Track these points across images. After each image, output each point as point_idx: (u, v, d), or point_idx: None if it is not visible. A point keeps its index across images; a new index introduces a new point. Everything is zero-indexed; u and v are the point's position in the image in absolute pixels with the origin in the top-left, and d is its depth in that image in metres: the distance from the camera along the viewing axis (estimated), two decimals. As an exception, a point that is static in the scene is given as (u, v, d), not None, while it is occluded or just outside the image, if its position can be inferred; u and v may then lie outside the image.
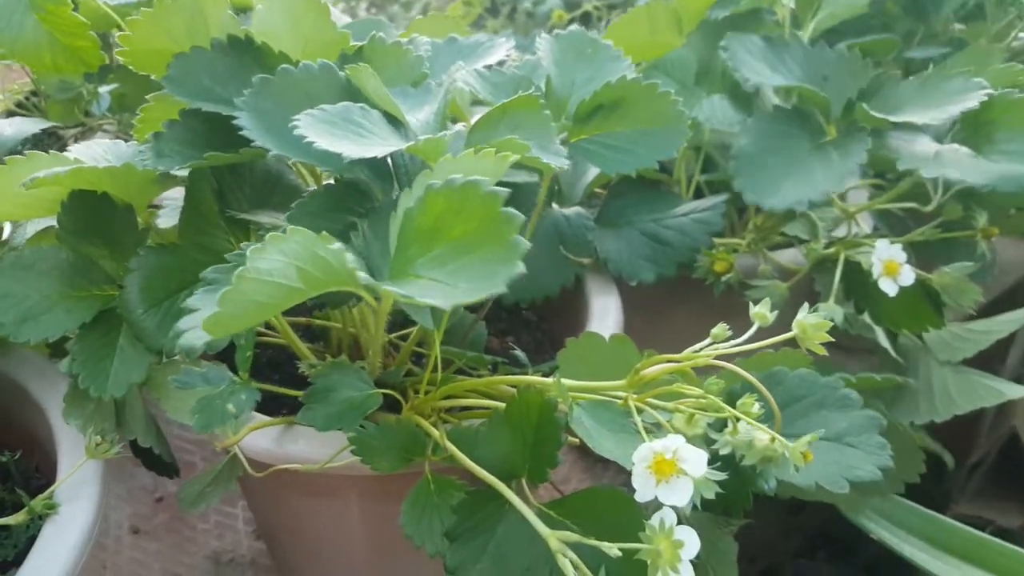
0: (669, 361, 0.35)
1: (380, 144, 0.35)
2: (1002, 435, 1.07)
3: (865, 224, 0.61)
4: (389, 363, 0.47)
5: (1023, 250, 1.16)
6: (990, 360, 1.18)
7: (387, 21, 0.67)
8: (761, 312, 0.36)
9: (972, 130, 0.47)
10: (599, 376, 0.39)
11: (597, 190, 0.62)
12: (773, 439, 0.33)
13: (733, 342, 0.35)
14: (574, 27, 0.53)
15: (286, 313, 0.41)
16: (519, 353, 0.44)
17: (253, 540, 0.63)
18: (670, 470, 0.31)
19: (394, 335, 0.50)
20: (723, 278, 0.52)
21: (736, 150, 0.49)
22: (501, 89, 0.48)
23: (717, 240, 0.57)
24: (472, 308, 0.55)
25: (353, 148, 0.33)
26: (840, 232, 0.57)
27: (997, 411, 1.17)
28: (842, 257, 0.48)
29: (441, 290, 0.28)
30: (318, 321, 0.47)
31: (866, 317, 0.50)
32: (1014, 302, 1.16)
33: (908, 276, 0.44)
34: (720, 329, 0.34)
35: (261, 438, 0.40)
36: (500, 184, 0.49)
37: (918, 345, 0.56)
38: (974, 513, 1.14)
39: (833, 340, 0.33)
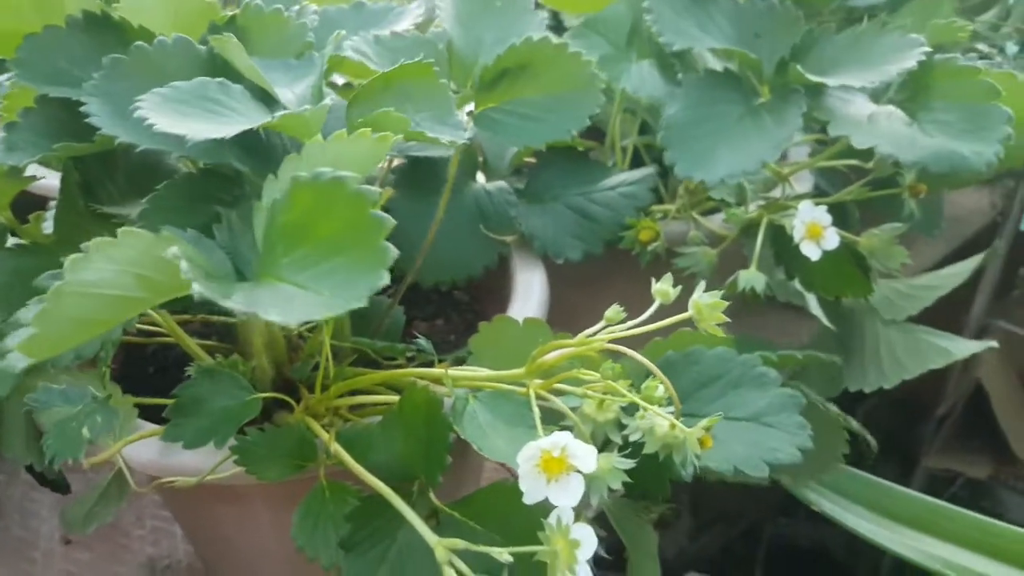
0: (565, 347, 0.32)
1: (238, 122, 0.32)
2: (968, 386, 1.07)
3: (806, 183, 0.59)
4: (296, 358, 0.45)
5: (983, 199, 1.15)
6: (955, 308, 1.17)
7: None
8: (663, 289, 0.33)
9: (910, 91, 0.44)
10: (513, 362, 0.37)
11: (528, 159, 0.59)
12: (673, 425, 0.30)
13: (634, 321, 0.32)
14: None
15: (178, 308, 0.38)
16: (422, 341, 0.41)
17: (189, 544, 0.61)
18: (560, 468, 0.28)
19: (305, 326, 0.47)
20: (649, 247, 0.49)
21: (665, 120, 0.45)
22: (399, 55, 0.44)
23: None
24: (387, 290, 0.52)
25: (201, 128, 0.30)
26: (777, 193, 0.55)
27: (963, 362, 1.17)
28: (765, 222, 0.46)
29: (300, 300, 0.25)
30: (214, 317, 0.44)
31: (796, 283, 0.48)
32: (975, 252, 1.15)
33: (832, 239, 0.42)
34: (614, 312, 0.32)
35: (145, 449, 0.37)
36: (412, 159, 0.46)
37: (862, 305, 0.53)
38: (943, 466, 1.14)
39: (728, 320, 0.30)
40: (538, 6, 0.81)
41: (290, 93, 0.37)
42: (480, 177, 0.56)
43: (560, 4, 0.62)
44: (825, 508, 0.49)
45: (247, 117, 0.33)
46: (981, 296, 1.07)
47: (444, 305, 0.58)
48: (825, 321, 0.51)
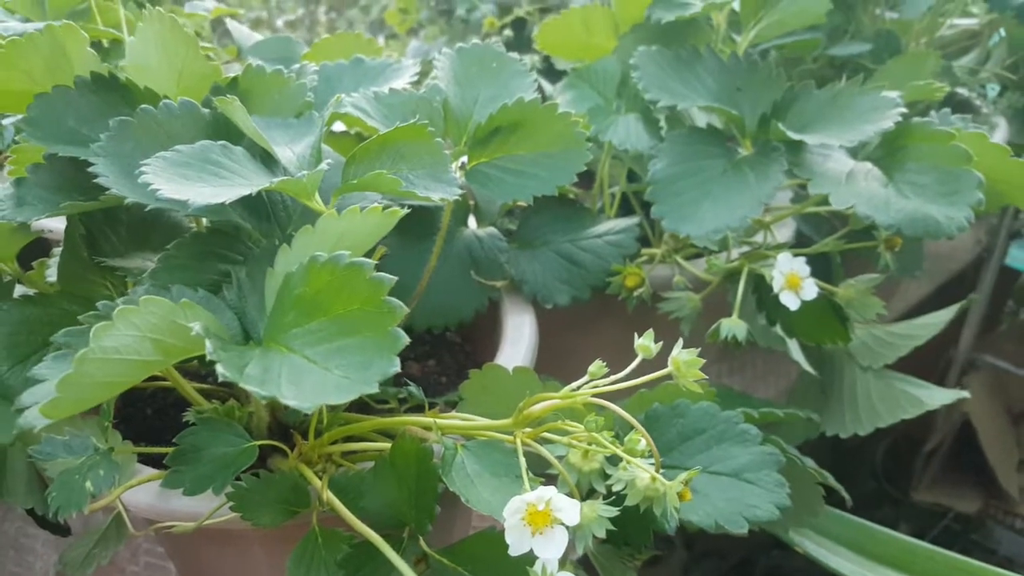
0: (550, 399, 0.34)
1: (240, 185, 0.34)
2: (955, 421, 1.08)
3: (788, 228, 0.61)
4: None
5: (968, 236, 1.17)
6: (943, 343, 1.19)
7: (296, 40, 0.65)
8: (645, 345, 0.35)
9: (887, 150, 0.46)
10: (502, 409, 0.38)
11: (520, 203, 0.61)
12: (654, 479, 0.32)
13: (616, 376, 0.34)
14: (478, 41, 0.51)
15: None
16: (413, 388, 0.42)
17: (182, 580, 0.62)
18: (545, 521, 0.30)
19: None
20: (635, 293, 0.51)
21: (652, 175, 0.47)
22: (396, 111, 0.46)
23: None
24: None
25: (203, 192, 0.32)
26: (760, 237, 0.56)
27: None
28: (745, 271, 0.47)
29: (311, 378, 0.27)
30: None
31: (778, 329, 0.49)
32: (961, 287, 1.17)
33: (810, 290, 0.43)
34: (597, 367, 0.33)
35: (143, 493, 0.38)
36: (408, 206, 0.48)
37: (842, 351, 0.55)
38: (933, 500, 1.15)
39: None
40: (533, 50, 0.84)
41: (290, 152, 0.38)
42: (472, 222, 0.58)
43: (555, 51, 0.65)
44: (809, 549, 0.50)
45: (248, 180, 0.34)
46: (968, 331, 1.09)
47: (437, 346, 0.59)
48: (806, 367, 0.52)
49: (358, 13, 2.69)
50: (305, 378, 0.26)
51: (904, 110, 0.45)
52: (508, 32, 0.92)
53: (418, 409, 0.47)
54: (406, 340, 0.26)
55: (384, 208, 0.36)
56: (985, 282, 1.07)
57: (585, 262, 0.53)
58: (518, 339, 0.50)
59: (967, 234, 1.25)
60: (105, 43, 0.62)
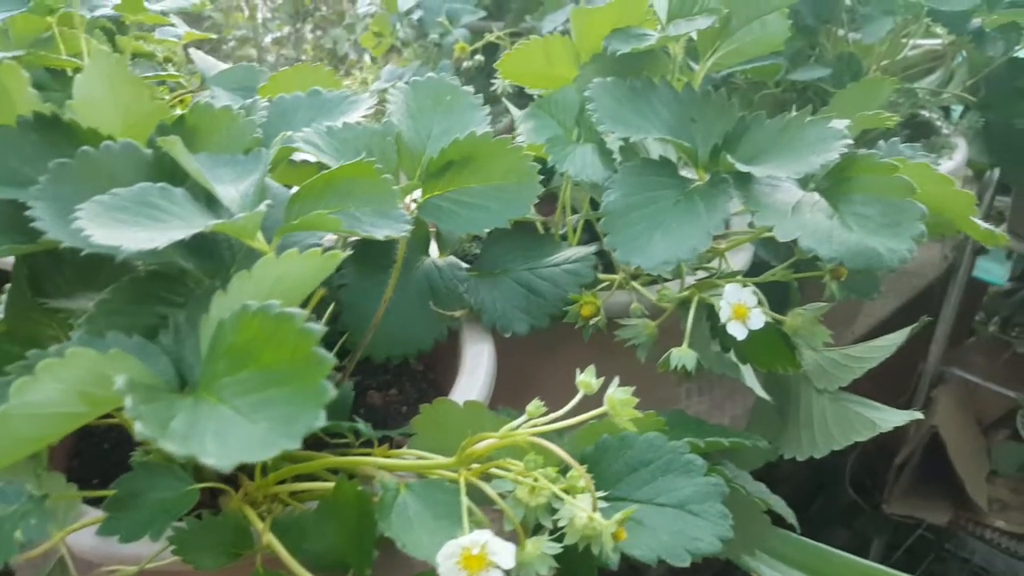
0: (489, 438, 0.34)
1: (177, 228, 0.34)
2: (925, 434, 1.09)
3: (746, 252, 0.61)
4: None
5: (935, 252, 1.19)
6: (912, 356, 1.20)
7: (260, 68, 0.65)
8: (586, 381, 0.35)
9: (834, 181, 0.47)
10: (454, 443, 0.38)
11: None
12: (591, 518, 0.32)
13: (556, 414, 0.34)
14: (448, 63, 0.51)
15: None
16: (361, 426, 0.42)
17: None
18: (480, 565, 0.30)
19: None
20: (591, 321, 0.51)
21: (605, 206, 0.47)
22: (349, 146, 0.46)
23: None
24: (338, 364, 0.53)
25: (138, 237, 0.31)
26: (717, 263, 0.57)
27: (921, 410, 1.20)
28: (695, 301, 0.48)
29: (237, 431, 0.27)
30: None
31: (732, 356, 0.50)
32: (930, 302, 1.18)
33: (757, 320, 0.44)
34: (534, 406, 0.33)
35: (87, 536, 0.38)
36: (363, 242, 0.48)
37: (798, 374, 0.55)
38: (905, 512, 1.16)
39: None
40: (491, 84, 0.84)
41: (234, 191, 0.38)
42: (434, 249, 0.58)
43: (518, 80, 0.65)
44: (764, 573, 0.50)
45: (187, 223, 0.34)
46: (936, 346, 1.11)
47: (399, 374, 0.59)
48: (759, 392, 0.53)
49: (343, 32, 2.69)
50: (231, 431, 0.26)
51: (850, 141, 0.46)
52: (480, 57, 0.93)
53: (371, 445, 0.47)
54: (333, 393, 0.26)
55: (326, 250, 0.36)
56: (952, 297, 1.09)
57: (543, 291, 0.53)
58: (475, 368, 0.50)
59: (934, 250, 1.27)
60: (69, 72, 0.62)
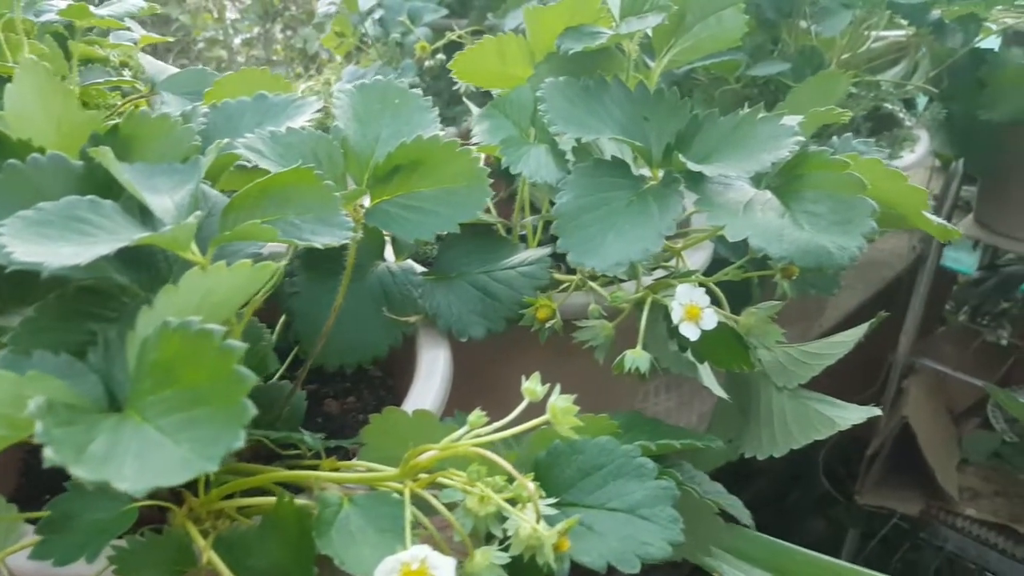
0: (431, 450, 0.33)
1: (105, 242, 0.33)
2: (896, 424, 1.10)
3: (705, 250, 0.61)
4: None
5: (903, 242, 1.20)
6: (881, 347, 1.21)
7: (211, 72, 0.64)
8: (531, 388, 0.35)
9: (785, 179, 0.47)
10: (404, 454, 0.38)
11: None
12: (534, 529, 0.31)
13: (500, 423, 0.33)
14: (381, 76, 0.50)
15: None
16: (308, 438, 0.41)
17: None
18: (419, 581, 0.29)
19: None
20: (547, 325, 0.51)
21: (557, 208, 0.47)
22: (293, 151, 0.45)
23: (556, 275, 0.56)
24: (290, 372, 0.53)
25: (63, 252, 0.31)
26: (675, 262, 0.57)
27: (892, 403, 1.21)
28: (648, 302, 0.47)
29: (159, 453, 0.26)
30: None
31: (689, 355, 0.49)
32: (899, 292, 1.19)
33: (710, 320, 0.44)
34: (476, 416, 0.33)
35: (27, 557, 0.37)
36: (313, 248, 0.47)
37: (758, 371, 0.55)
38: (877, 503, 1.17)
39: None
40: (440, 94, 0.84)
41: (170, 201, 0.37)
42: (390, 253, 0.57)
43: (472, 80, 0.65)
44: (726, 572, 0.50)
45: (116, 236, 0.33)
46: (905, 337, 1.11)
47: (358, 382, 0.58)
48: (717, 392, 0.53)
49: (313, 31, 2.67)
50: (152, 453, 0.25)
51: (802, 138, 0.46)
52: (441, 56, 0.92)
53: (321, 456, 0.46)
54: (253, 411, 0.25)
55: (260, 259, 0.36)
56: (920, 287, 1.09)
57: (499, 294, 0.53)
58: (430, 375, 0.50)
59: (902, 241, 1.27)
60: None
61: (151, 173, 0.39)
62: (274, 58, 2.81)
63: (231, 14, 2.92)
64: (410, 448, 0.38)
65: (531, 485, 0.33)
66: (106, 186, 0.38)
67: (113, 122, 0.40)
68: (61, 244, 0.32)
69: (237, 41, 2.87)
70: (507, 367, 0.65)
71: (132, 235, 0.34)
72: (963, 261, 1.44)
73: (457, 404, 0.64)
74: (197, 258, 0.35)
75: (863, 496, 1.14)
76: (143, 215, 0.37)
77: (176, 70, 0.66)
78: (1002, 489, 1.12)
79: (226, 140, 0.40)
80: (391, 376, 0.59)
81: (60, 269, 0.30)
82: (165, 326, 0.27)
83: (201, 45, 2.89)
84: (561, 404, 0.32)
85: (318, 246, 0.37)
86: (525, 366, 0.65)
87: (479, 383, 0.66)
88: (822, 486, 1.39)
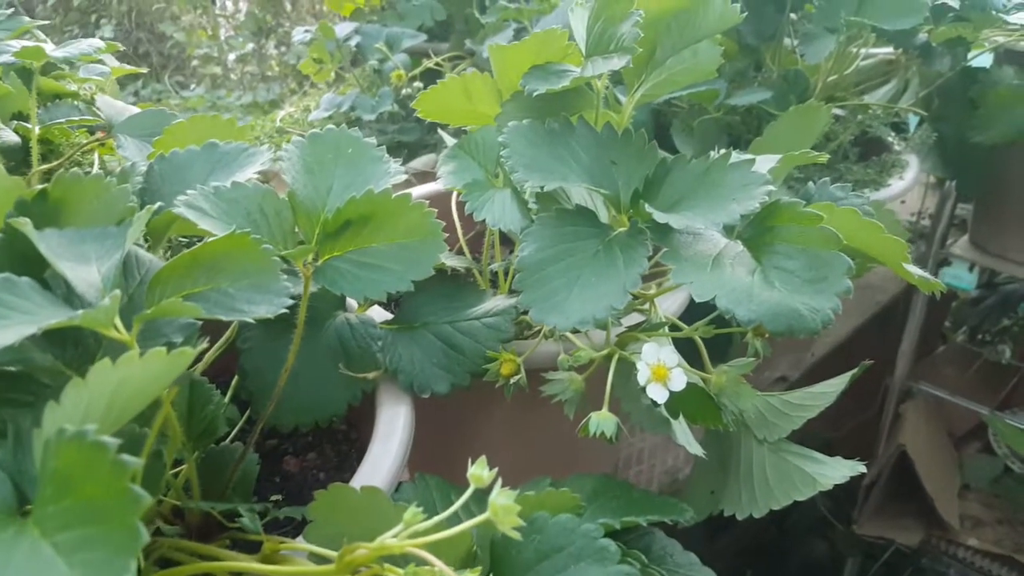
0: (363, 548, 0.31)
1: (20, 324, 0.30)
2: (893, 453, 1.07)
3: (681, 294, 0.59)
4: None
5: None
6: (879, 367, 1.18)
7: (169, 112, 0.62)
8: (477, 474, 0.32)
9: (757, 230, 0.44)
10: (352, 532, 0.35)
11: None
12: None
13: (436, 518, 0.31)
14: (332, 127, 0.48)
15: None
16: (246, 520, 0.39)
17: None
18: None
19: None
20: (511, 380, 0.49)
21: (519, 261, 0.44)
22: (238, 207, 0.43)
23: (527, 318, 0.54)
24: (242, 432, 0.50)
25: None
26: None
27: (889, 429, 1.18)
28: (615, 360, 0.45)
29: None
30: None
31: (663, 410, 0.47)
32: (895, 314, 1.16)
33: (679, 380, 0.41)
34: (411, 514, 0.30)
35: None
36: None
37: (740, 422, 0.53)
38: (875, 533, 1.14)
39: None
40: (420, 121, 0.82)
41: (96, 272, 0.35)
42: (352, 302, 0.55)
43: (438, 119, 0.62)
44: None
45: (32, 317, 0.31)
46: (902, 360, 1.09)
47: (320, 436, 0.56)
48: (692, 449, 0.50)
49: (305, 48, 2.66)
50: (41, 578, 0.23)
51: (772, 188, 0.44)
52: (418, 84, 0.90)
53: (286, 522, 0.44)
54: (146, 538, 0.23)
55: (187, 335, 0.33)
56: (916, 310, 1.07)
57: (463, 346, 0.50)
58: (389, 436, 0.47)
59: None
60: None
61: (81, 240, 0.37)
62: (268, 74, 2.80)
63: (225, 31, 2.92)
64: (362, 528, 0.35)
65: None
66: (31, 257, 0.36)
67: (41, 187, 0.38)
68: (-37, 331, 0.29)
69: (231, 58, 2.87)
70: (476, 417, 0.63)
71: (49, 318, 0.31)
72: (962, 278, 1.41)
73: (426, 457, 0.61)
74: (122, 336, 0.33)
75: (861, 526, 1.11)
76: (68, 289, 0.35)
77: (135, 110, 0.64)
78: (1005, 517, 1.09)
79: (157, 204, 0.38)
80: (355, 429, 0.57)
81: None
82: (61, 433, 0.25)
83: (196, 62, 2.89)
84: (502, 501, 0.29)
85: (250, 320, 0.34)
86: (495, 416, 0.63)
87: (448, 435, 0.64)
88: (821, 511, 1.37)
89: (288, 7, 2.71)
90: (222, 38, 2.86)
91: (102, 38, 0.76)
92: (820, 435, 1.07)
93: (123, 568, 0.23)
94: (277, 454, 0.54)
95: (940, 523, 1.07)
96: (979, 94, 0.87)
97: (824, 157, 0.49)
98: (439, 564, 0.29)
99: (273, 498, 0.50)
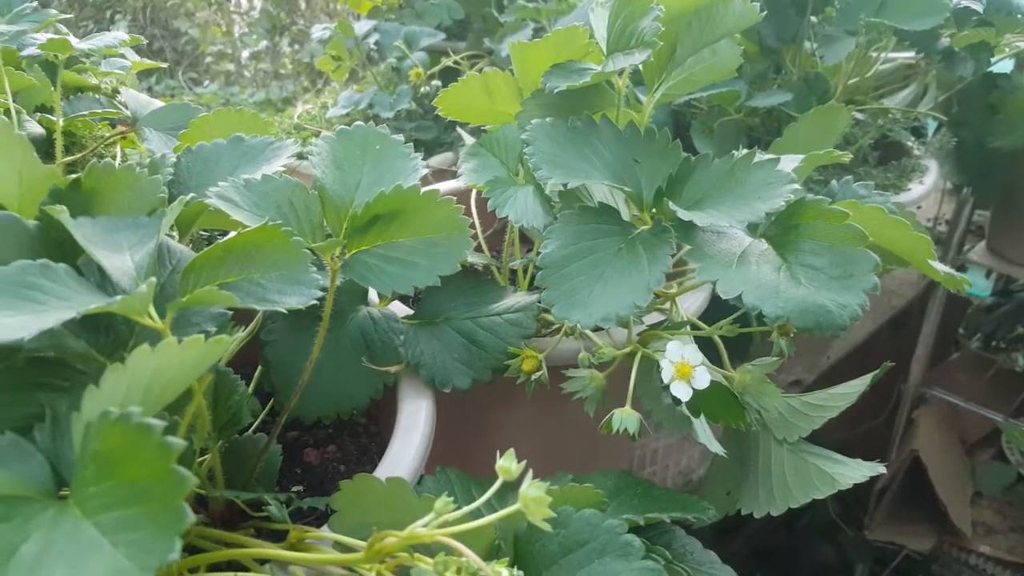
0: (394, 536, 0.31)
1: (57, 310, 0.31)
2: (906, 458, 1.07)
3: (703, 292, 0.59)
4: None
5: (912, 272, 1.16)
6: (894, 372, 1.18)
7: (193, 106, 0.63)
8: (505, 467, 0.32)
9: (782, 228, 0.44)
10: (377, 522, 0.36)
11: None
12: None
13: (466, 508, 0.31)
14: (360, 124, 0.48)
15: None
16: (275, 510, 0.39)
17: None
18: None
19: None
20: (533, 377, 0.49)
21: (542, 258, 0.45)
22: (268, 200, 0.44)
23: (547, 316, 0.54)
24: (264, 423, 0.51)
25: (8, 324, 0.29)
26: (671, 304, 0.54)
27: (902, 435, 1.17)
28: (639, 357, 0.45)
29: (93, 559, 0.24)
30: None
31: (684, 408, 0.47)
32: (904, 323, 1.16)
33: (703, 379, 0.41)
34: (443, 503, 0.31)
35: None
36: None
37: (761, 422, 0.53)
38: (887, 539, 1.14)
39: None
40: (437, 119, 0.82)
41: (130, 260, 0.36)
42: (374, 295, 0.56)
43: (458, 117, 0.63)
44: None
45: (68, 303, 0.31)
46: (916, 366, 1.08)
47: (340, 429, 0.56)
48: (713, 448, 0.50)
49: (319, 46, 2.67)
50: (87, 559, 0.24)
51: (797, 186, 0.44)
52: (437, 82, 0.90)
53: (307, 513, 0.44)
54: (192, 518, 0.23)
55: (219, 324, 0.34)
56: (932, 316, 1.06)
57: (485, 342, 0.51)
58: (410, 430, 0.48)
59: (913, 270, 1.24)
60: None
61: (114, 228, 0.38)
62: (281, 71, 2.81)
63: (239, 28, 2.93)
64: (386, 517, 0.36)
65: (504, 572, 0.31)
66: (65, 245, 0.36)
67: (75, 176, 0.38)
68: (8, 314, 0.30)
69: (245, 55, 2.89)
70: (497, 412, 0.63)
71: (85, 303, 0.32)
72: (978, 285, 1.40)
73: (445, 451, 0.62)
74: (156, 324, 0.33)
75: (873, 532, 1.10)
76: (102, 276, 0.35)
77: (159, 104, 0.65)
78: (1018, 524, 1.08)
79: (190, 195, 0.39)
80: (375, 423, 0.57)
81: (5, 343, 0.28)
82: (105, 416, 0.26)
83: (209, 59, 2.90)
84: (533, 493, 0.30)
85: (283, 310, 0.35)
86: (515, 412, 0.63)
87: (468, 429, 0.64)
88: (833, 511, 1.36)
89: (303, 5, 2.73)
90: (236, 35, 2.88)
91: (118, 33, 0.76)
92: (834, 436, 1.07)
93: (168, 548, 0.23)
94: (298, 446, 0.54)
95: (952, 530, 1.06)
96: (999, 99, 0.87)
97: (847, 156, 0.49)
98: (470, 554, 0.30)
99: (294, 489, 0.50)
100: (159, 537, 0.24)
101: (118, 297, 0.31)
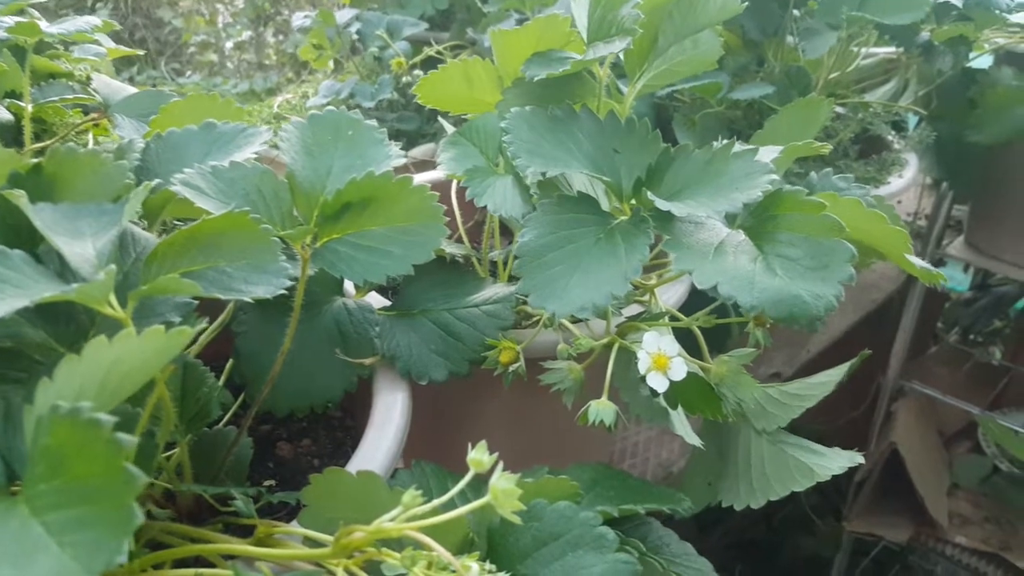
0: (361, 531, 0.30)
1: (12, 297, 0.30)
2: (884, 450, 1.08)
3: (682, 285, 0.58)
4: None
5: (891, 266, 1.17)
6: (872, 365, 1.19)
7: (168, 93, 0.61)
8: (476, 459, 0.32)
9: (759, 219, 0.44)
10: (348, 516, 0.35)
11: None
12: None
13: (434, 502, 0.31)
14: (332, 109, 0.47)
15: None
16: (240, 503, 0.38)
17: None
18: None
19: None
20: (510, 368, 0.48)
21: (519, 247, 0.44)
22: (236, 187, 0.43)
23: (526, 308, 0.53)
24: (236, 416, 0.50)
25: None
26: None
27: (881, 427, 1.18)
28: (616, 349, 0.45)
29: (40, 561, 0.23)
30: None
31: (662, 400, 0.47)
32: (889, 312, 1.17)
33: (679, 370, 0.41)
34: (410, 496, 0.30)
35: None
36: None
37: (739, 413, 0.53)
38: (865, 530, 1.15)
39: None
40: (419, 109, 0.81)
41: (91, 248, 0.35)
42: (350, 286, 0.55)
43: (438, 105, 0.62)
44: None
45: (24, 291, 0.30)
46: (895, 359, 1.09)
47: (315, 422, 0.55)
48: (690, 440, 0.50)
49: (304, 36, 2.64)
50: (32, 561, 0.23)
51: (775, 177, 0.43)
52: (419, 72, 0.89)
53: (277, 508, 0.43)
54: (140, 519, 0.22)
55: (184, 314, 0.33)
56: (911, 309, 1.07)
57: (462, 334, 0.50)
58: (385, 422, 0.47)
59: (892, 264, 1.24)
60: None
61: (76, 214, 0.36)
62: (266, 62, 2.78)
63: (223, 18, 2.89)
64: (357, 513, 0.35)
65: (474, 566, 0.30)
66: (24, 231, 0.35)
67: (35, 160, 0.37)
68: (-47, 304, 0.29)
69: (229, 45, 2.85)
70: (475, 405, 0.63)
71: (41, 291, 0.31)
72: (956, 279, 1.42)
73: (423, 445, 0.61)
74: (116, 313, 0.32)
75: (851, 523, 1.11)
76: (62, 264, 0.34)
77: (132, 90, 0.63)
78: (992, 515, 1.09)
79: (156, 181, 0.37)
80: (350, 416, 0.56)
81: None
82: (55, 410, 0.25)
83: (192, 49, 2.86)
84: (502, 485, 0.29)
85: (248, 300, 0.34)
86: (491, 406, 0.62)
87: (446, 422, 0.64)
88: (811, 502, 1.37)
89: (287, -5, 2.69)
90: (220, 25, 2.84)
91: (98, 21, 0.74)
92: (813, 427, 1.07)
93: (116, 550, 0.22)
94: (271, 439, 0.53)
95: (929, 521, 1.07)
96: (978, 94, 0.88)
97: (827, 148, 0.49)
98: (437, 548, 0.29)
99: (266, 483, 0.49)
100: (107, 538, 0.23)
101: (75, 285, 0.30)
